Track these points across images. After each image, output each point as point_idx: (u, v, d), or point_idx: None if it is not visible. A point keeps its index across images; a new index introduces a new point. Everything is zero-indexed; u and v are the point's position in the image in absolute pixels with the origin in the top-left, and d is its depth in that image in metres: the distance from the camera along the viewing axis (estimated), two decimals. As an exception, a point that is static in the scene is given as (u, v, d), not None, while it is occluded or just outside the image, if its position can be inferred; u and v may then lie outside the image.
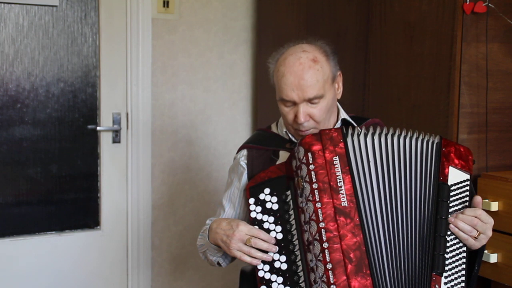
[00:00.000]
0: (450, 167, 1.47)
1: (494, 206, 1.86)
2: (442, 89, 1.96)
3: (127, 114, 2.83)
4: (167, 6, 2.87)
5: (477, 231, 1.43)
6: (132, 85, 2.81)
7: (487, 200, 1.87)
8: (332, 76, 1.59)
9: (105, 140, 2.81)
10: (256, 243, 1.47)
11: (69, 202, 2.80)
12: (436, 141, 1.50)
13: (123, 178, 2.85)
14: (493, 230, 1.85)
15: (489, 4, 1.89)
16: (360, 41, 2.32)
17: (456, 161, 1.48)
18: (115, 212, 2.85)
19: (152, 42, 2.85)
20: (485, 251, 1.88)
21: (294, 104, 1.56)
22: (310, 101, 1.54)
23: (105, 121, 2.81)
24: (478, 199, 1.47)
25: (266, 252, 1.48)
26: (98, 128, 2.79)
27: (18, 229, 2.69)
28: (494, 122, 1.98)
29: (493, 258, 1.87)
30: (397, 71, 2.14)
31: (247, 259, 1.48)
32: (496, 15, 1.93)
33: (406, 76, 2.11)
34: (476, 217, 1.43)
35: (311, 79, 1.52)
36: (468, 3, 1.87)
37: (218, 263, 1.66)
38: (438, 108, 1.98)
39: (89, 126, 2.79)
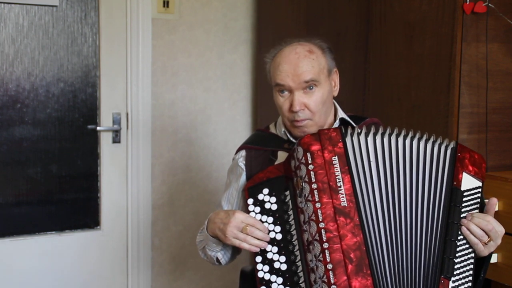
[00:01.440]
0: (464, 173, 1.46)
1: (494, 206, 1.86)
2: (442, 89, 1.96)
3: (127, 114, 2.83)
4: (167, 6, 2.87)
5: (489, 237, 1.42)
6: (132, 85, 2.81)
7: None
8: (328, 69, 1.61)
9: (105, 140, 2.81)
10: (252, 231, 1.47)
11: (69, 202, 2.80)
12: (452, 146, 1.49)
13: (123, 178, 2.85)
14: (493, 230, 1.86)
15: (489, 4, 1.89)
16: (360, 41, 2.32)
17: (470, 168, 1.47)
18: (115, 212, 2.85)
19: (152, 42, 2.85)
20: (485, 251, 1.88)
21: (290, 92, 1.57)
22: (305, 87, 1.56)
23: (105, 121, 2.80)
24: (494, 200, 1.46)
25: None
26: (98, 128, 2.79)
27: (18, 229, 2.69)
28: (494, 122, 1.97)
29: (493, 258, 1.86)
30: (397, 71, 2.14)
31: (245, 246, 1.48)
32: (496, 15, 1.93)
33: (406, 76, 2.11)
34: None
35: (307, 66, 1.55)
36: (468, 3, 1.87)
37: (218, 260, 1.65)
38: (438, 108, 1.97)
39: (89, 126, 2.79)
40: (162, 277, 2.98)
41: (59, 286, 2.76)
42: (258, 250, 1.48)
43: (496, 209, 1.86)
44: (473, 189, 1.47)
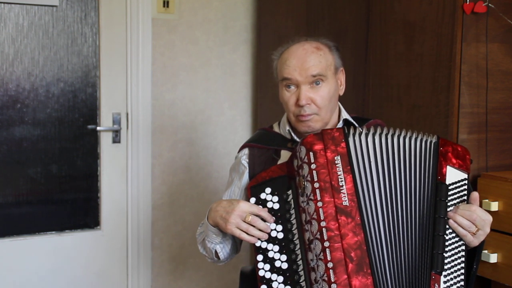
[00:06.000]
0: (448, 167, 1.47)
1: (494, 206, 1.86)
2: (442, 89, 1.96)
3: (127, 114, 2.83)
4: (167, 6, 2.87)
5: (476, 226, 1.42)
6: (132, 85, 2.81)
7: (487, 200, 1.87)
8: (335, 66, 1.63)
9: (105, 140, 2.81)
10: (254, 221, 1.47)
11: (69, 202, 2.80)
12: (433, 140, 1.50)
13: (123, 178, 2.85)
14: (493, 230, 1.86)
15: (489, 4, 1.89)
16: (360, 41, 2.32)
17: (454, 161, 1.48)
18: (115, 212, 2.85)
19: (152, 42, 2.85)
20: (485, 251, 1.88)
21: (297, 87, 1.58)
22: (312, 82, 1.57)
23: (105, 121, 2.81)
24: (475, 195, 1.47)
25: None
26: (98, 128, 2.79)
27: (18, 229, 2.69)
28: (494, 122, 1.98)
29: (493, 258, 1.87)
30: (397, 71, 2.14)
31: (245, 237, 1.48)
32: (496, 15, 1.93)
33: (406, 76, 2.11)
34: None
35: (314, 61, 1.57)
36: (468, 3, 1.87)
37: (216, 254, 1.63)
38: (438, 108, 1.98)
39: (89, 126, 2.79)
40: (162, 277, 2.98)
41: (59, 286, 2.76)
42: (257, 241, 1.48)
43: (496, 209, 1.86)
44: (459, 181, 1.47)
